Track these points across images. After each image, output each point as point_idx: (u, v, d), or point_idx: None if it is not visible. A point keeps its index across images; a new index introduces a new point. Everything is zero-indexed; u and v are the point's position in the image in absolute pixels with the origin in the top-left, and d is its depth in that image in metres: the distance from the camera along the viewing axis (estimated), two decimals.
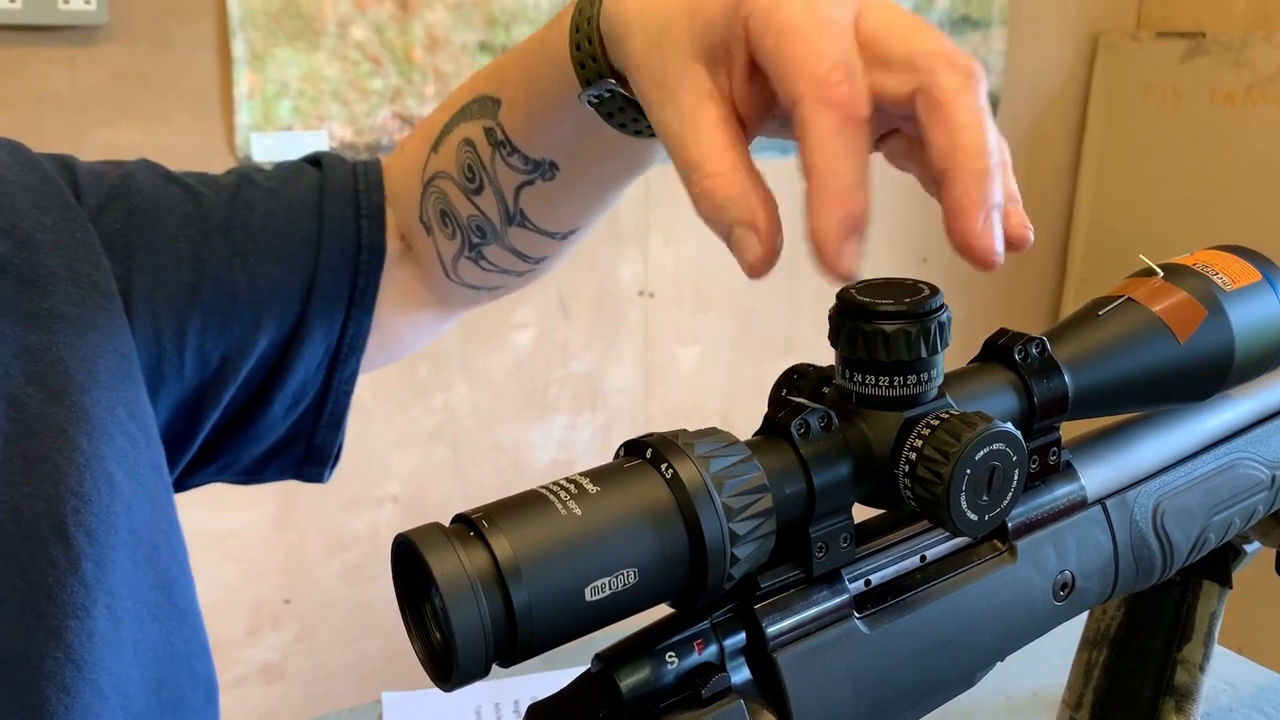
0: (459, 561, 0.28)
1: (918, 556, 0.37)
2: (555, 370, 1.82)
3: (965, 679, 0.38)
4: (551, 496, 0.30)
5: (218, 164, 1.45)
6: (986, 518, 0.34)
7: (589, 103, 0.45)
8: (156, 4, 1.38)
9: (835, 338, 0.35)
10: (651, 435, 0.32)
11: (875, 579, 0.36)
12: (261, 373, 0.57)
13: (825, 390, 0.37)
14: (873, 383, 0.34)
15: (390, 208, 0.60)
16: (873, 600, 0.36)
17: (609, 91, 0.45)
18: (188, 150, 1.44)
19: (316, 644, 1.64)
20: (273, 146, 1.48)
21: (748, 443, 0.33)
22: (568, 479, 0.31)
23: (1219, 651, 0.76)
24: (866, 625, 0.35)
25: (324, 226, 0.57)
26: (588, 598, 0.30)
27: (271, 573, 1.61)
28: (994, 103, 2.09)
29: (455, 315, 0.65)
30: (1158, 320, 0.40)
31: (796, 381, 0.38)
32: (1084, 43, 2.17)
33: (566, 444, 1.84)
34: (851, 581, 0.36)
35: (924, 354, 0.34)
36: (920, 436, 0.33)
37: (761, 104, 0.38)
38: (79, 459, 0.46)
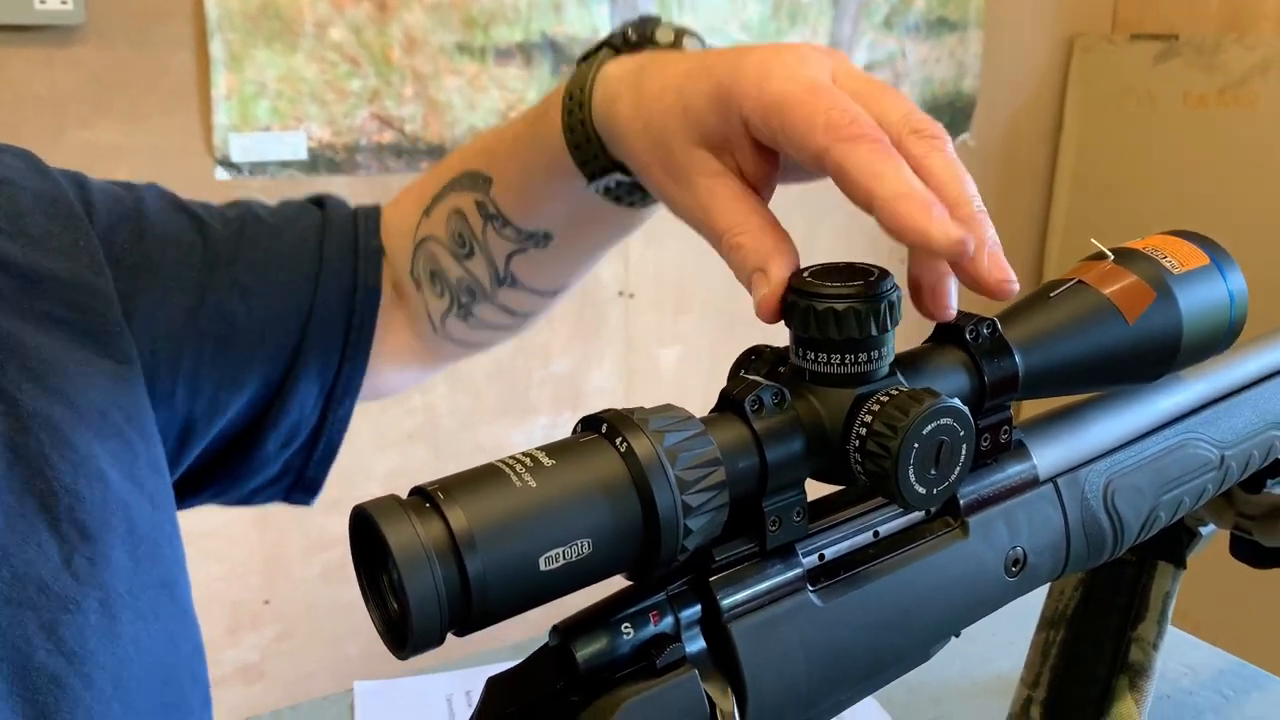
0: (414, 532, 0.28)
1: (871, 532, 0.38)
2: (536, 371, 1.83)
3: (919, 652, 0.39)
4: (507, 470, 0.31)
5: (197, 164, 1.46)
6: (935, 491, 0.34)
7: (598, 191, 0.48)
8: (134, 4, 1.39)
9: (789, 318, 0.36)
10: (608, 411, 0.33)
11: (829, 553, 0.37)
12: (255, 410, 0.57)
13: (781, 369, 0.37)
14: (824, 360, 0.35)
15: (385, 258, 0.61)
16: (826, 574, 0.37)
17: (618, 182, 0.47)
18: (166, 150, 1.44)
19: (296, 644, 1.64)
20: (250, 147, 1.48)
21: (703, 419, 0.34)
22: (525, 453, 0.31)
23: (1182, 637, 0.77)
24: (820, 598, 0.36)
25: (323, 267, 0.58)
26: (542, 567, 0.30)
27: (251, 573, 1.61)
28: (971, 105, 2.11)
29: (442, 366, 0.66)
30: (1107, 302, 0.40)
31: (754, 361, 0.38)
32: (1060, 45, 2.19)
33: None
34: (805, 555, 0.36)
35: (874, 332, 0.35)
36: (870, 412, 0.34)
37: (769, 171, 0.40)
38: (72, 456, 0.47)
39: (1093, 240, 0.45)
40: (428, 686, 0.70)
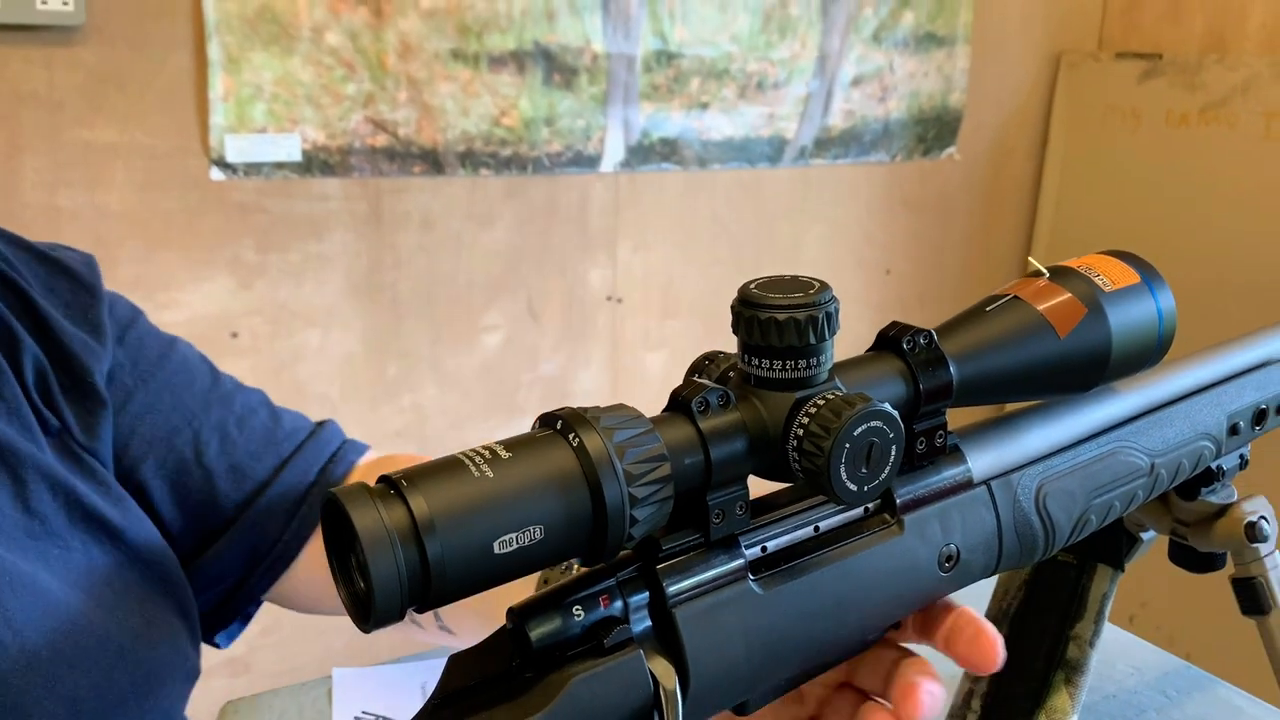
0: (379, 516, 0.31)
1: (812, 527, 0.41)
2: (524, 373, 1.85)
3: (856, 641, 0.42)
4: (467, 461, 0.33)
5: (193, 164, 1.49)
6: (866, 489, 0.37)
7: None
8: (134, 6, 1.41)
9: (736, 326, 0.38)
10: (563, 409, 0.35)
11: (771, 545, 0.39)
12: (190, 539, 0.61)
13: (730, 374, 0.40)
14: (767, 366, 0.38)
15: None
16: (768, 565, 0.39)
17: None
18: (162, 150, 1.47)
19: (282, 637, 1.67)
20: (246, 148, 1.51)
21: (652, 418, 0.36)
22: (485, 446, 0.34)
23: (1130, 639, 0.80)
24: (760, 587, 0.38)
25: (296, 456, 0.63)
26: (496, 551, 0.32)
27: None
28: (958, 119, 2.15)
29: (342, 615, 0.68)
30: (1040, 317, 0.43)
31: (707, 365, 0.41)
32: (1046, 62, 2.23)
33: None
34: (748, 547, 0.39)
35: (812, 340, 0.37)
36: (807, 415, 0.37)
37: None
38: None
39: (1030, 260, 0.47)
40: (402, 674, 0.73)
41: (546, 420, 0.35)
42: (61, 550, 0.52)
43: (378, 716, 0.69)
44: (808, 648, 0.40)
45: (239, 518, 0.61)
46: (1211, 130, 1.99)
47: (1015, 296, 0.44)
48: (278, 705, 0.72)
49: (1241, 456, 0.55)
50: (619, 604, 0.36)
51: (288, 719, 0.71)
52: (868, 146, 2.06)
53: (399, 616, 0.32)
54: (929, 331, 0.42)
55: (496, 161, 1.72)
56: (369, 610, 0.32)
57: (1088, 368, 0.44)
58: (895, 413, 0.37)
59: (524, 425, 1.99)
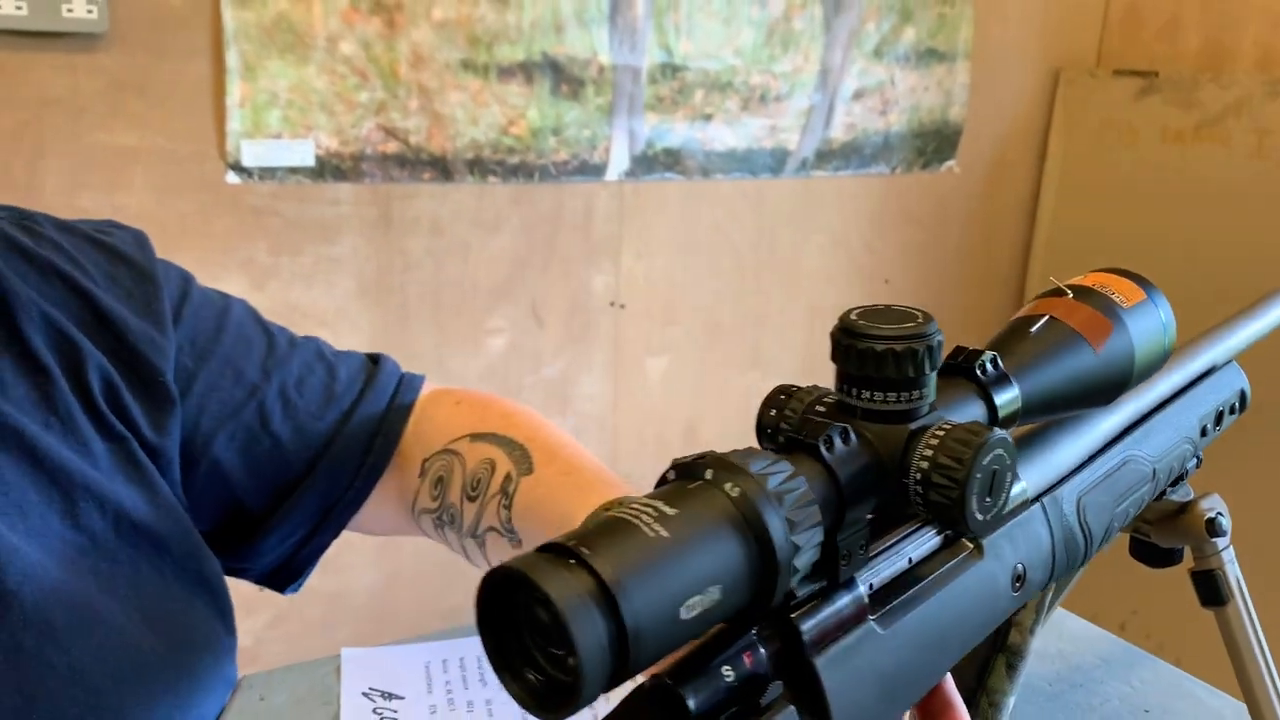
0: (573, 583, 0.28)
1: (905, 559, 0.40)
2: (527, 376, 1.89)
3: (945, 669, 0.41)
4: (634, 520, 0.31)
5: (209, 168, 1.53)
6: (989, 518, 0.36)
7: None
8: (155, 15, 1.46)
9: (842, 357, 0.37)
10: (704, 456, 0.34)
11: (876, 582, 0.39)
12: (264, 504, 0.64)
13: (819, 408, 0.38)
14: (880, 398, 0.37)
15: (410, 428, 0.66)
16: (878, 602, 0.38)
17: None
18: (180, 154, 1.51)
19: (289, 630, 1.71)
20: (262, 153, 1.55)
21: (784, 459, 0.35)
22: (640, 502, 0.32)
23: (1098, 633, 0.84)
24: (880, 625, 0.37)
25: (357, 406, 0.65)
26: (682, 616, 0.30)
27: None
28: (957, 133, 2.19)
29: (410, 533, 0.70)
30: (1078, 334, 0.45)
31: (786, 400, 0.39)
32: (1045, 78, 2.27)
33: None
34: (860, 586, 0.38)
35: (926, 370, 0.37)
36: (929, 446, 0.36)
37: None
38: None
39: (1051, 278, 0.49)
40: (408, 654, 0.77)
41: (687, 469, 0.34)
42: (109, 564, 0.53)
43: (384, 692, 0.73)
44: (919, 682, 0.40)
45: (308, 475, 0.64)
46: (1206, 147, 2.03)
47: (1052, 316, 0.45)
48: (290, 680, 0.76)
49: (1197, 457, 0.59)
50: (761, 658, 0.35)
51: (298, 694, 0.74)
52: (868, 159, 2.10)
53: (595, 695, 0.29)
54: (993, 354, 0.42)
55: (504, 169, 1.76)
56: (570, 691, 0.29)
57: (1117, 380, 0.46)
58: (1010, 438, 0.36)
59: None
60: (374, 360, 0.69)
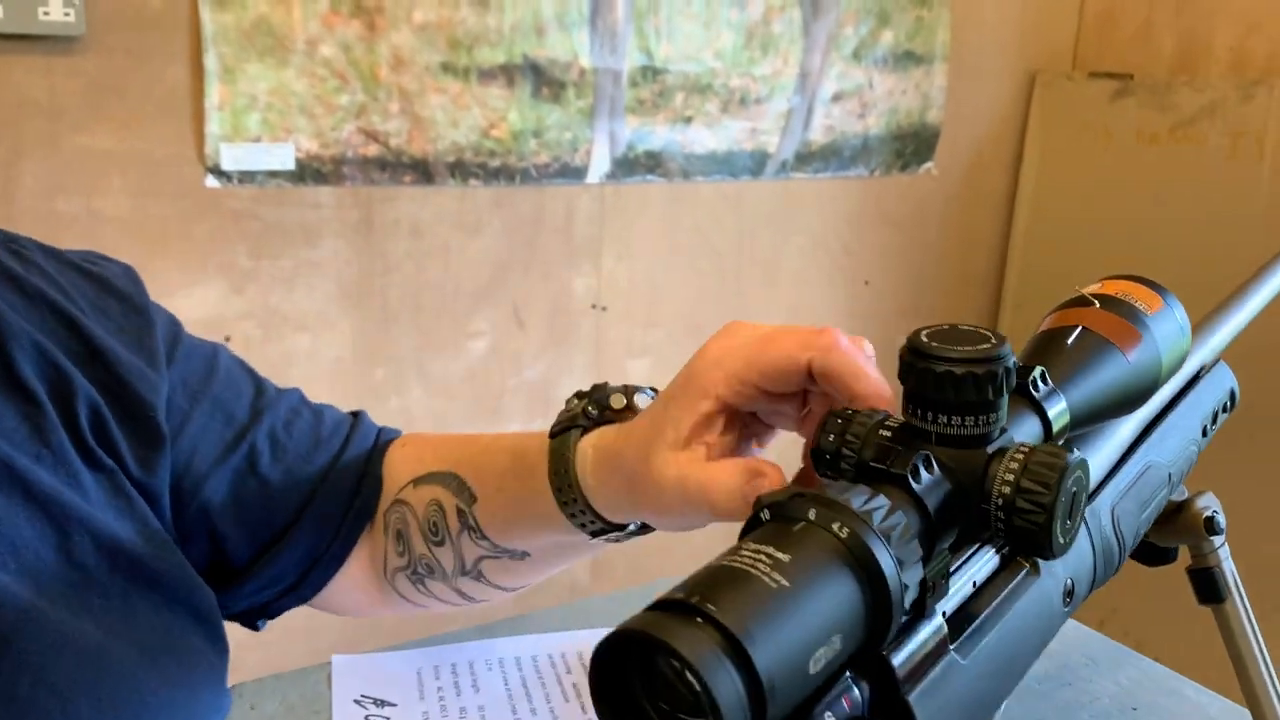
0: (703, 639, 0.27)
1: (970, 583, 0.39)
2: (509, 378, 1.89)
3: (1010, 691, 0.40)
4: (751, 569, 0.30)
5: (188, 171, 1.52)
6: (1068, 540, 0.36)
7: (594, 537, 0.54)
8: (132, 17, 1.45)
9: (916, 379, 0.36)
10: (800, 494, 0.33)
11: (948, 609, 0.37)
12: (248, 551, 0.62)
13: (884, 432, 0.38)
14: (958, 423, 0.36)
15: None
16: (954, 630, 0.37)
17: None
18: (158, 157, 1.50)
19: (269, 636, 1.70)
20: (241, 156, 1.54)
21: (872, 490, 0.34)
22: (750, 550, 0.31)
23: (1086, 632, 0.84)
24: (960, 655, 0.36)
25: (345, 448, 0.64)
26: (811, 670, 0.29)
27: None
28: (935, 135, 2.20)
29: (381, 611, 0.69)
30: (1111, 344, 0.44)
31: (845, 425, 0.38)
32: (1022, 80, 2.29)
33: None
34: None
35: (1004, 394, 0.36)
36: (1010, 471, 0.35)
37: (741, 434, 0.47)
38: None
39: (1076, 287, 0.49)
40: (399, 661, 0.76)
41: (783, 508, 0.33)
42: (103, 599, 0.52)
43: (376, 699, 0.72)
44: (992, 707, 0.39)
45: (295, 522, 0.62)
46: (1181, 149, 2.05)
47: (1085, 327, 0.45)
48: (280, 688, 0.75)
49: None
50: (858, 698, 0.33)
51: (290, 702, 0.74)
52: (847, 161, 2.11)
53: None
54: (1041, 369, 0.41)
55: (485, 172, 1.76)
56: None
57: (1148, 386, 0.46)
58: (1086, 459, 0.36)
59: (508, 430, 2.03)
60: (353, 414, 0.69)
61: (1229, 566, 0.59)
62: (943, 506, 0.35)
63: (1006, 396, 0.37)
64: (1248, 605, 0.59)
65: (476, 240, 1.81)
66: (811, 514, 0.32)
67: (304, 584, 0.64)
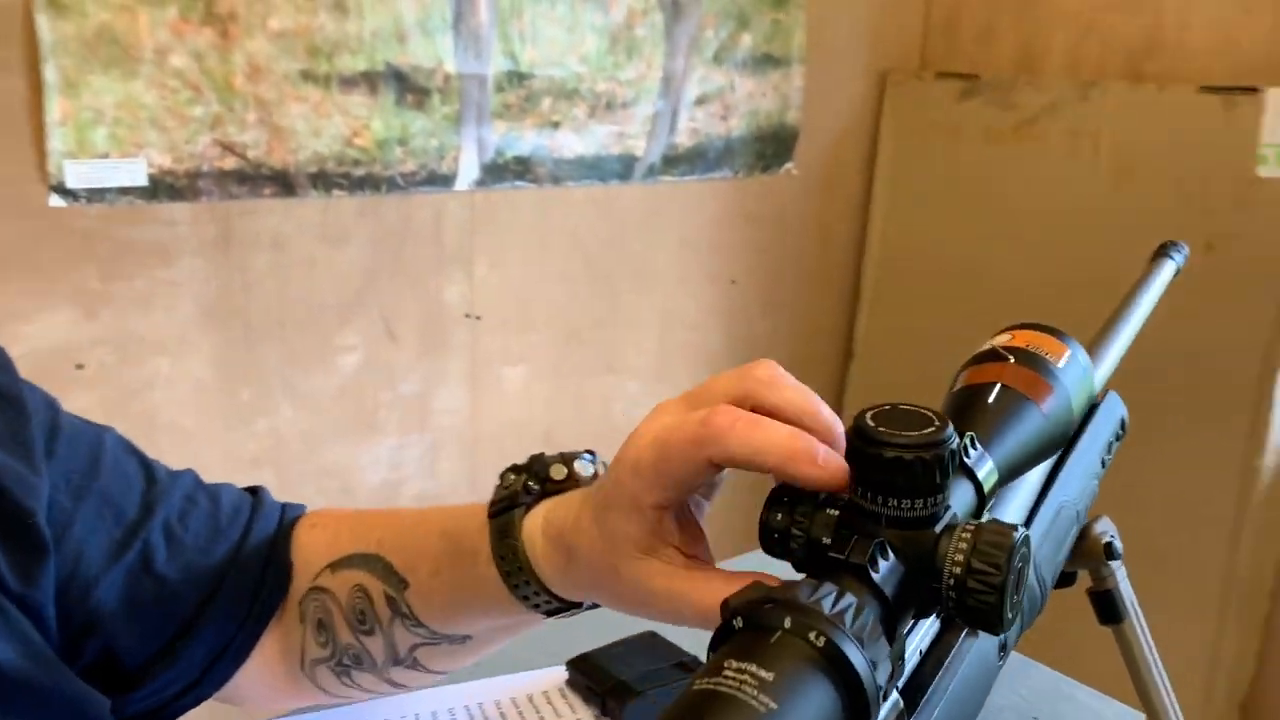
0: None
1: (917, 652, 0.40)
2: (383, 393, 1.85)
3: None
4: (738, 694, 0.30)
5: (30, 190, 1.43)
6: (1014, 615, 0.36)
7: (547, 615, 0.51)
8: None
9: (866, 464, 0.37)
10: (773, 598, 0.33)
11: (901, 683, 0.38)
12: (145, 650, 0.57)
13: (830, 511, 0.38)
14: (907, 505, 0.36)
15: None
16: (909, 703, 0.38)
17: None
18: None
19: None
20: (88, 173, 1.45)
21: (832, 582, 0.34)
22: (734, 671, 0.31)
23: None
24: None
25: (247, 535, 0.60)
26: None
27: None
28: (794, 136, 2.25)
29: (292, 702, 0.65)
30: (1027, 399, 0.45)
31: (790, 503, 0.39)
32: (873, 81, 2.36)
33: (396, 464, 1.87)
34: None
35: (950, 475, 0.37)
36: (959, 551, 0.36)
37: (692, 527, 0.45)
38: None
39: (993, 344, 0.49)
40: (362, 711, 0.73)
41: (753, 614, 0.33)
42: None
43: None
44: None
45: (199, 616, 0.58)
46: (1025, 147, 2.15)
47: (1004, 384, 0.45)
48: None
49: None
50: None
51: None
52: (712, 163, 2.13)
53: None
54: (973, 435, 0.42)
55: (349, 182, 1.71)
56: None
57: (1061, 435, 0.47)
58: (1027, 533, 0.37)
59: (383, 446, 1.98)
60: (251, 491, 0.64)
61: (1126, 588, 0.62)
62: (899, 591, 0.36)
63: (952, 477, 0.37)
64: (1144, 623, 0.63)
65: (342, 252, 1.75)
66: (786, 623, 0.32)
67: (206, 681, 0.59)
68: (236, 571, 0.59)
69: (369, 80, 1.68)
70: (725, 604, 0.33)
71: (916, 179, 2.34)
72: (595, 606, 0.51)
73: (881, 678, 0.32)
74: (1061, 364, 0.47)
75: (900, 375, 2.41)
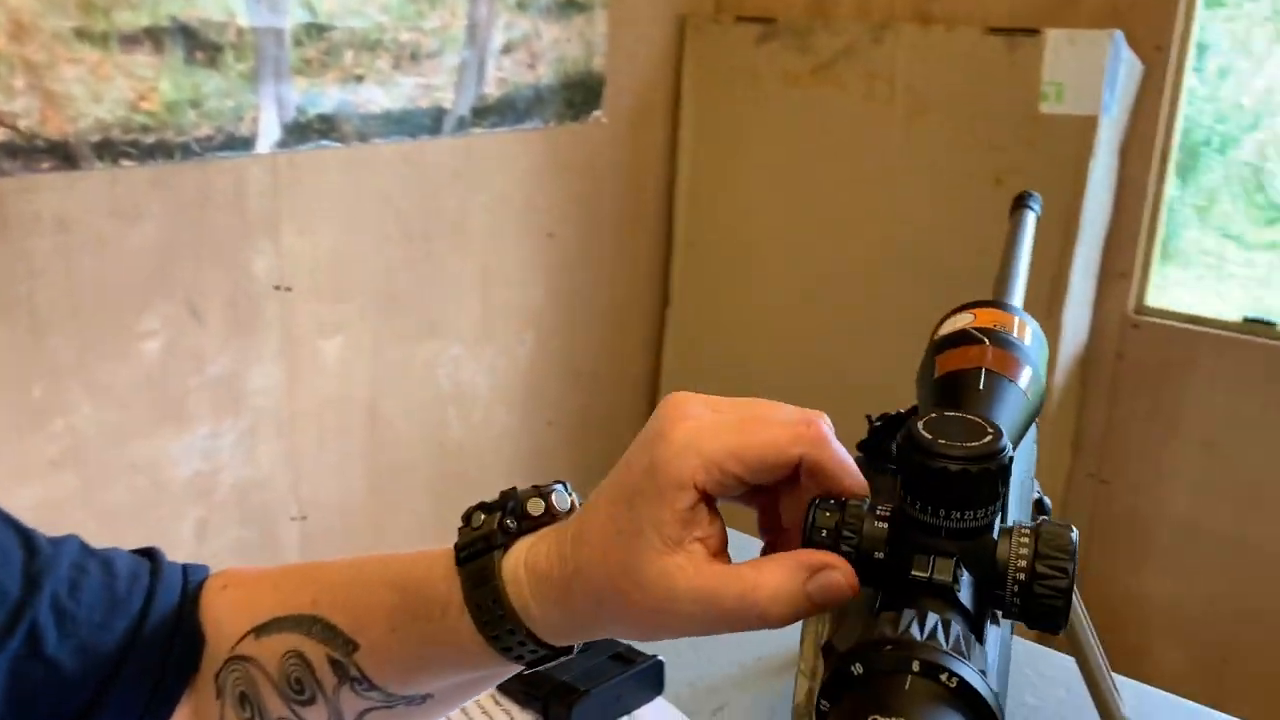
0: None
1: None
2: (191, 378, 1.71)
3: None
4: None
5: None
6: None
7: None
8: None
9: (924, 477, 0.37)
10: (888, 639, 0.33)
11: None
12: None
13: (879, 522, 0.38)
14: (970, 516, 0.36)
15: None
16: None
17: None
18: None
19: None
20: None
21: (928, 607, 0.35)
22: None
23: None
24: None
25: (150, 606, 0.53)
26: None
27: None
28: (601, 83, 2.22)
29: None
30: (1008, 380, 0.46)
31: (832, 512, 0.39)
32: (672, 26, 2.35)
33: (209, 453, 1.74)
34: None
35: (1008, 483, 0.37)
36: (1021, 556, 0.36)
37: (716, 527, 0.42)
38: None
39: (970, 330, 0.50)
40: None
41: (878, 664, 0.33)
42: None
43: None
44: None
45: (99, 700, 0.52)
46: (824, 91, 2.21)
47: (987, 369, 0.46)
48: None
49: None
50: None
51: None
52: (523, 113, 2.08)
53: None
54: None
55: (139, 150, 1.56)
56: None
57: (1036, 409, 0.48)
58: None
59: (197, 434, 1.85)
60: (143, 553, 0.57)
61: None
62: (975, 604, 0.36)
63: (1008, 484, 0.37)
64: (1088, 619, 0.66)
65: (136, 228, 1.60)
66: (915, 666, 0.32)
67: None
68: (140, 647, 0.53)
69: (153, 37, 1.52)
70: (830, 647, 0.33)
71: (720, 124, 2.36)
72: (585, 650, 0.48)
73: (1003, 700, 0.33)
74: (1027, 340, 0.49)
75: (716, 317, 2.45)
